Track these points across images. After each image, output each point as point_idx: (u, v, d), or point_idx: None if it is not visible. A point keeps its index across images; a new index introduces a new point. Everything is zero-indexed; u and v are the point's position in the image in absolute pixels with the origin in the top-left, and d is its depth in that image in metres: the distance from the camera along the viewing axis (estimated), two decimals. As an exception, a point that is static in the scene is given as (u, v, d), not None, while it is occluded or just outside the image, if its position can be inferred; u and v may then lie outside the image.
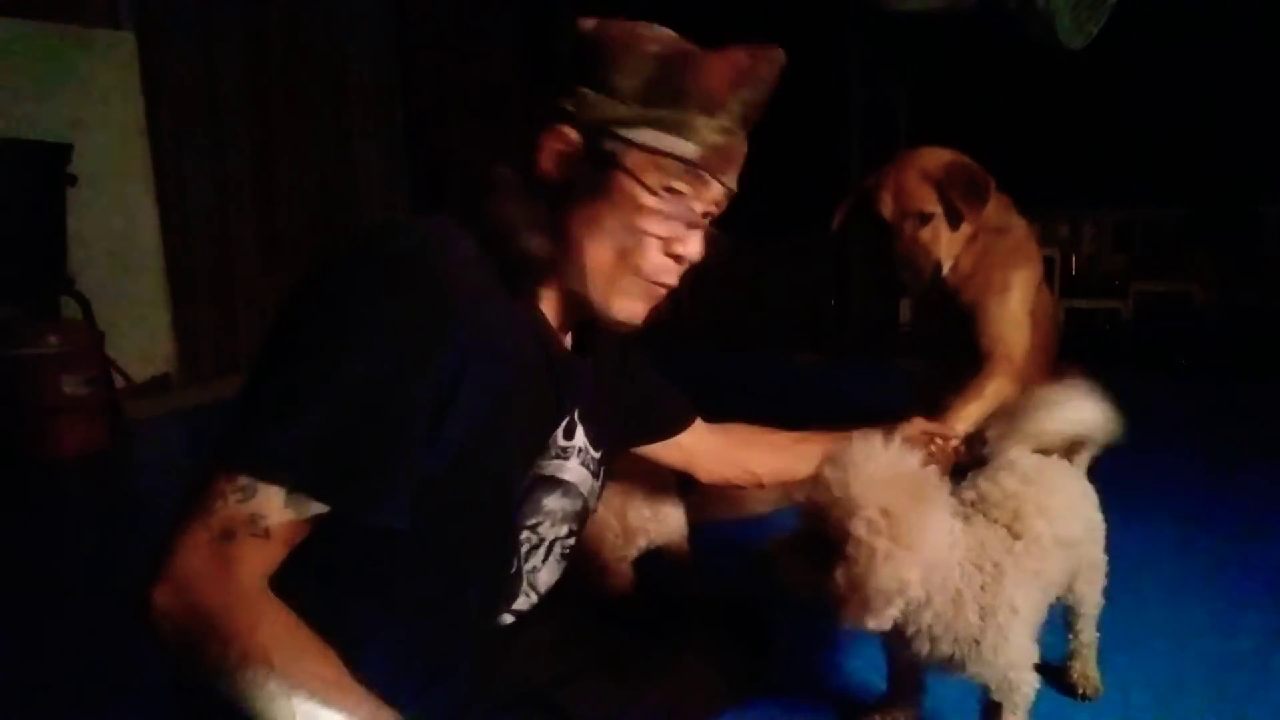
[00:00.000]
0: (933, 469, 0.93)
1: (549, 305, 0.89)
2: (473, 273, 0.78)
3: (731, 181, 0.86)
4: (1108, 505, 1.20)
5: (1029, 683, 1.02)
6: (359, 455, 0.70)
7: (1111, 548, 1.21)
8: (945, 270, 1.80)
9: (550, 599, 0.99)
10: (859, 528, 0.86)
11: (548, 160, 0.82)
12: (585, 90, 0.80)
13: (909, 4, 3.24)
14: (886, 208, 1.78)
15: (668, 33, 0.83)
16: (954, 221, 1.76)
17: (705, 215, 0.87)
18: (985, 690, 1.04)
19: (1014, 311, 1.80)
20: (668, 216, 0.83)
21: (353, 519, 0.71)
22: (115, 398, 2.96)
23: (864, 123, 5.40)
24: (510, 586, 0.92)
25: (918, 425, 1.34)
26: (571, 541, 0.98)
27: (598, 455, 0.97)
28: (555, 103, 0.81)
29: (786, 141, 5.33)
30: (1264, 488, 2.23)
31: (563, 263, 0.84)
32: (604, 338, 0.98)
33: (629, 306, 0.86)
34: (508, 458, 0.84)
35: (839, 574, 0.88)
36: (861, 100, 5.38)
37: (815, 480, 0.91)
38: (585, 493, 0.96)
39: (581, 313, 0.89)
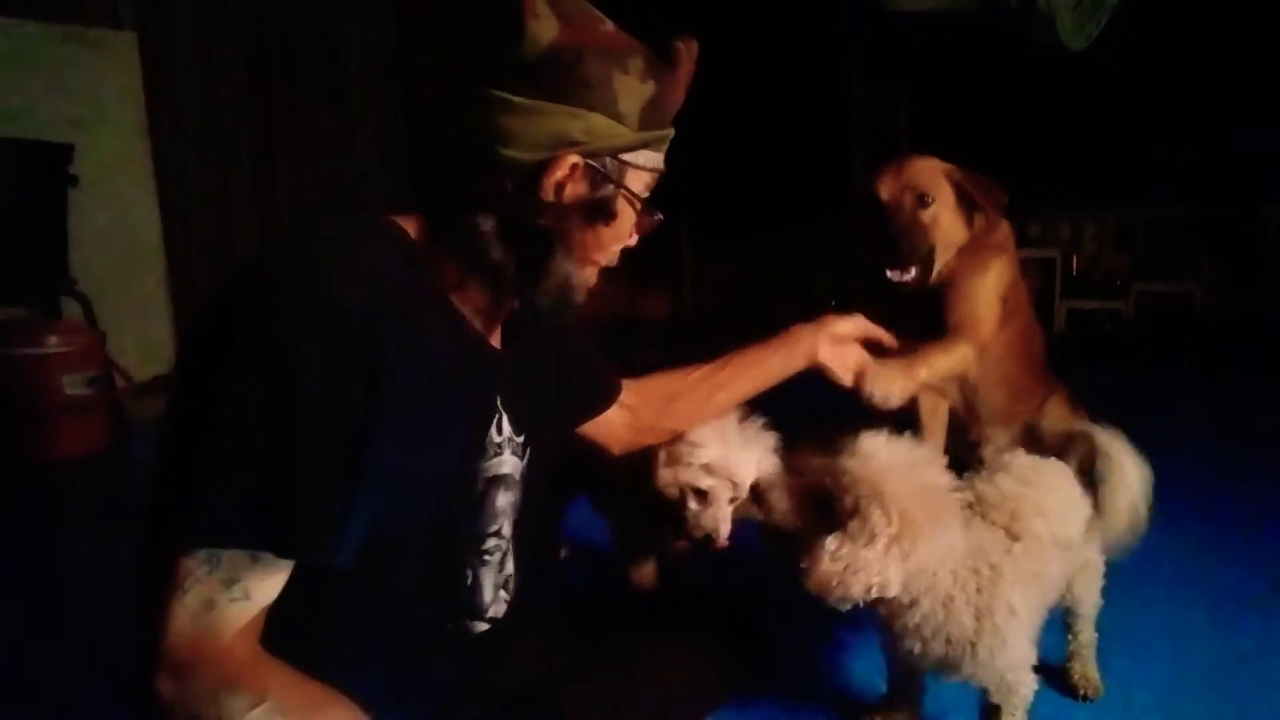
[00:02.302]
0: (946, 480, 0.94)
1: (470, 306, 0.87)
2: (371, 283, 0.73)
3: None
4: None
5: (1027, 684, 1.02)
6: (297, 503, 0.68)
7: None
8: (939, 266, 1.80)
9: (529, 599, 0.99)
10: (874, 512, 0.89)
11: (549, 186, 0.80)
12: (595, 116, 0.79)
13: (910, 4, 3.24)
14: (886, 188, 1.78)
15: (634, 44, 0.82)
16: (969, 209, 1.77)
17: None
18: (984, 692, 1.04)
19: (988, 291, 1.81)
20: (641, 221, 0.89)
21: (308, 564, 0.71)
22: (115, 398, 2.95)
23: (864, 123, 5.40)
24: (467, 597, 0.91)
25: (858, 322, 1.29)
26: (513, 534, 0.97)
27: (520, 439, 0.96)
28: (563, 128, 0.78)
29: (787, 142, 5.38)
30: (1265, 489, 2.23)
31: (528, 274, 0.85)
32: (533, 327, 0.97)
33: (583, 296, 0.90)
34: (446, 468, 0.83)
35: (829, 540, 0.90)
36: (861, 100, 5.38)
37: (840, 467, 0.93)
38: (518, 479, 0.96)
39: (504, 308, 0.90)
